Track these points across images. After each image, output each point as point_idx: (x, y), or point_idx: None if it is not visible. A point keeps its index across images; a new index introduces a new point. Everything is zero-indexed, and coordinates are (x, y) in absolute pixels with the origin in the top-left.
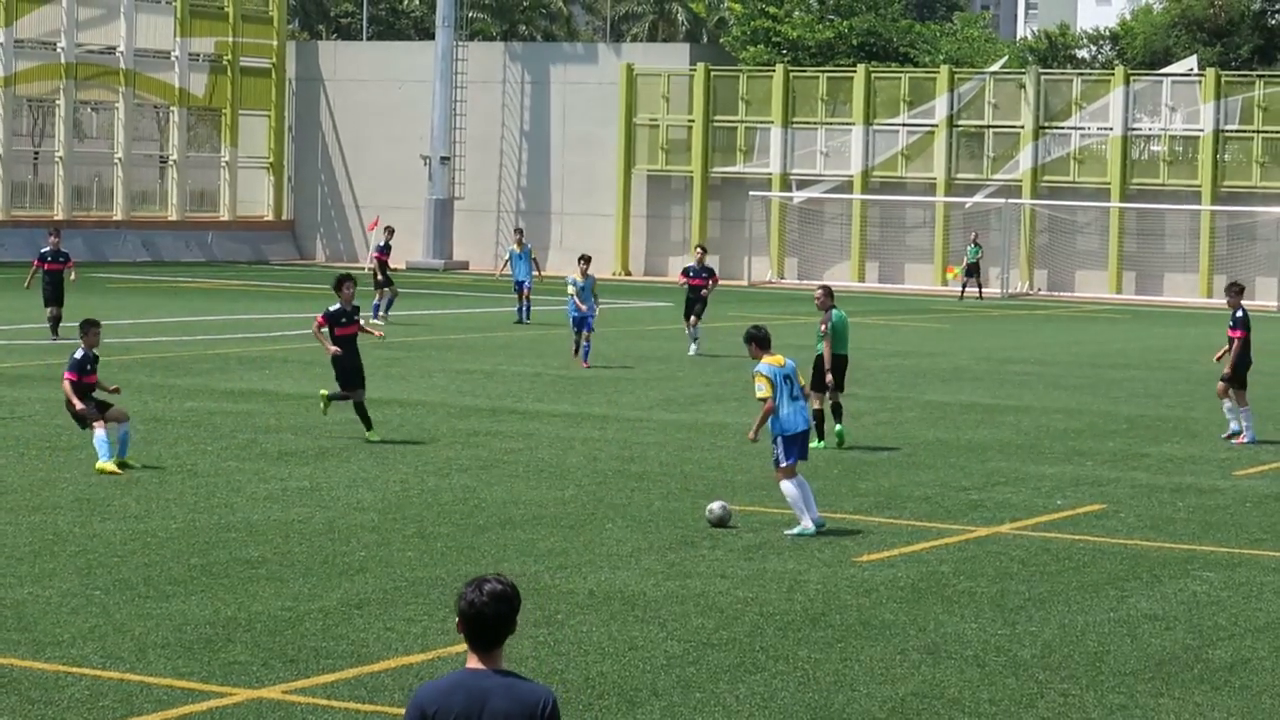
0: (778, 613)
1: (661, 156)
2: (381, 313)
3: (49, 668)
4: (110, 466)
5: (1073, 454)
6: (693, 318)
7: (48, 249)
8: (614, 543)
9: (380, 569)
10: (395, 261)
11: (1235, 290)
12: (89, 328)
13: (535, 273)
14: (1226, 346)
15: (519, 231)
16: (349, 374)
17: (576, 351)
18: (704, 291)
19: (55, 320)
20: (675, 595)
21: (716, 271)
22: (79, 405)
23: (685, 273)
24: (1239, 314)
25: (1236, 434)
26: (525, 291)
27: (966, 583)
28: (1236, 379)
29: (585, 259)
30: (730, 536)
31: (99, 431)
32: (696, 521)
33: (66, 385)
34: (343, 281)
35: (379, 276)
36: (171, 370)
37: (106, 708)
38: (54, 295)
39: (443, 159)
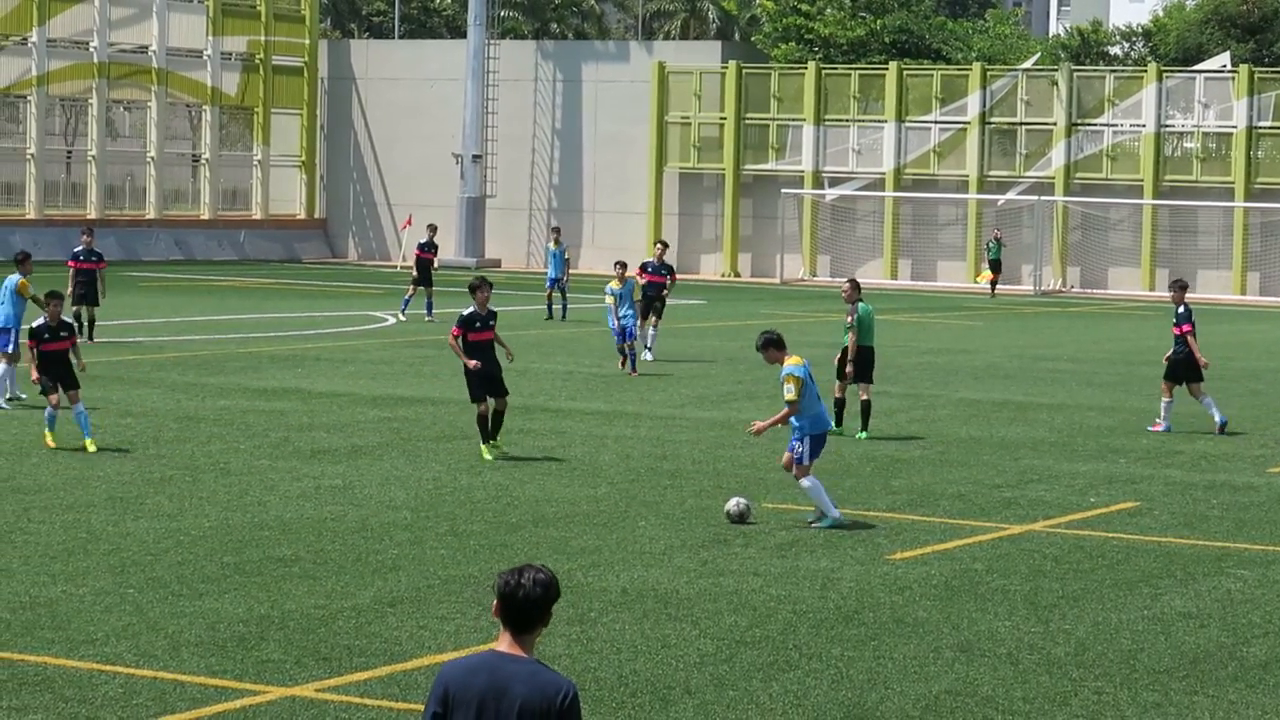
0: (811, 610)
1: (693, 154)
2: (413, 312)
3: (83, 666)
4: (91, 445)
5: (1106, 451)
6: (652, 316)
7: (80, 248)
8: (647, 540)
9: (413, 567)
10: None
11: (1179, 286)
12: (50, 299)
13: (566, 272)
14: (1172, 349)
15: (555, 230)
16: (487, 383)
17: (624, 364)
18: (665, 291)
19: (89, 322)
20: (708, 593)
21: (675, 269)
22: (33, 375)
23: (643, 268)
24: (1182, 310)
25: (1169, 429)
26: (555, 289)
27: (1000, 580)
28: (1191, 374)
29: (622, 265)
30: (763, 535)
31: (51, 409)
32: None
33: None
34: (477, 286)
35: (416, 274)
36: (204, 368)
37: (140, 705)
38: (87, 295)
39: (474, 157)
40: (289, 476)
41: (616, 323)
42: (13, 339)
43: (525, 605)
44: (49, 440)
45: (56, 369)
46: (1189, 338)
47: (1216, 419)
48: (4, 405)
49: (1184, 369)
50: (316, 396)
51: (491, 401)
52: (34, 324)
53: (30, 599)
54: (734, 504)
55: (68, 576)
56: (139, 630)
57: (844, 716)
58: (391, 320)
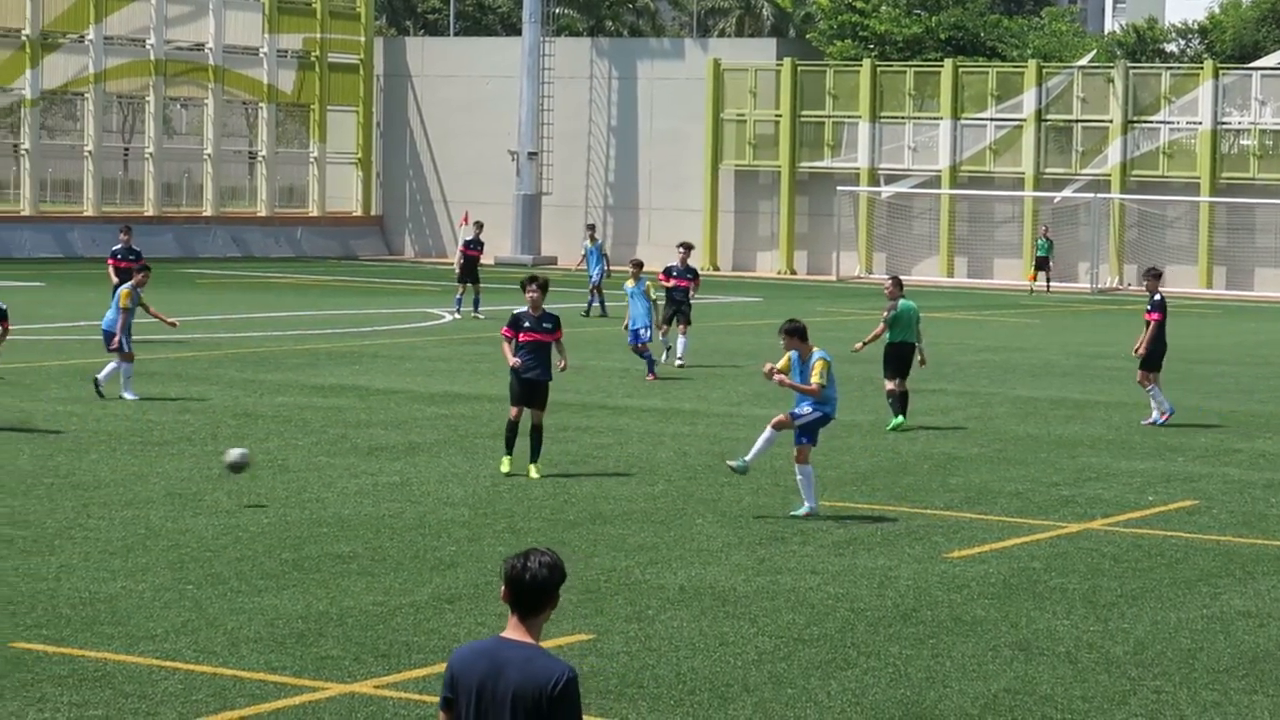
0: (868, 609)
1: (749, 151)
2: (466, 309)
3: (142, 661)
4: None
5: (1164, 449)
6: (678, 322)
7: (119, 246)
8: (704, 538)
9: (471, 564)
10: (484, 256)
11: (1153, 275)
12: None
13: (605, 268)
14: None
15: (590, 228)
16: (527, 389)
17: (651, 369)
18: (691, 294)
19: None
20: (766, 591)
21: (699, 272)
22: None
23: (666, 273)
24: (1156, 298)
25: (1164, 415)
26: (593, 286)
27: (1058, 579)
28: (1151, 362)
29: (636, 263)
30: (820, 532)
31: None
32: (787, 517)
33: None
34: (527, 282)
35: (462, 272)
36: (261, 365)
37: (200, 701)
38: None
39: (530, 154)
40: (347, 473)
41: (623, 324)
42: (118, 339)
43: (532, 588)
44: None
45: None
46: (1150, 324)
47: (1155, 416)
48: (128, 396)
49: (1153, 356)
50: (374, 393)
51: (527, 412)
52: None
53: (90, 595)
54: (233, 454)
55: (127, 573)
56: (198, 626)
57: (902, 715)
58: (448, 317)
